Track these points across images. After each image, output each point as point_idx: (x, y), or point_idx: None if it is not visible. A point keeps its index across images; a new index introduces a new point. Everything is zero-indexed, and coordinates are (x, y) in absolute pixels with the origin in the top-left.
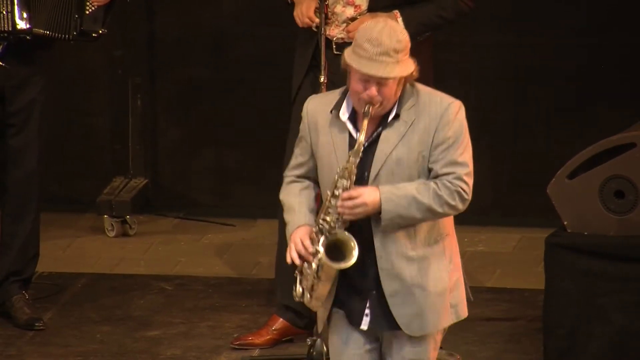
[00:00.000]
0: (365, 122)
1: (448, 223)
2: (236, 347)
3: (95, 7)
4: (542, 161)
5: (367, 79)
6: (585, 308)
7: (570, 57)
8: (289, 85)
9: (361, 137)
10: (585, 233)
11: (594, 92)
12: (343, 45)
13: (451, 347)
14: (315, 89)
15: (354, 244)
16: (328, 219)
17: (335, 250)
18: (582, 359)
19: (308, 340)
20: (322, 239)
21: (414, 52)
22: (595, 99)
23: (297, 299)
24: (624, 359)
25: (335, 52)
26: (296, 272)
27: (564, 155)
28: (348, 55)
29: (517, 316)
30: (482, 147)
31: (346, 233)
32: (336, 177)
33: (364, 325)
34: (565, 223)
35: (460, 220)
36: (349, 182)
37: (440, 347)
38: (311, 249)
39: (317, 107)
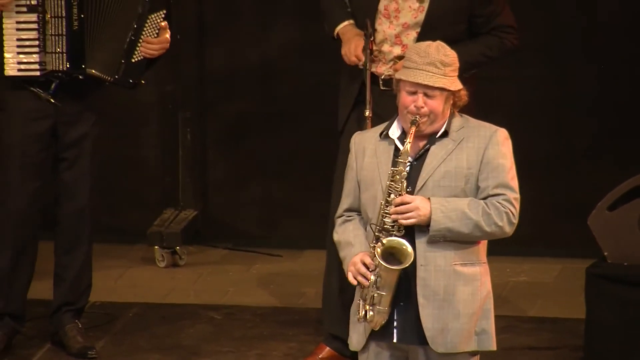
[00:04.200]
0: (413, 130)
1: (484, 251)
2: None
3: (142, 57)
4: (583, 193)
5: (415, 91)
6: (626, 338)
7: (613, 87)
8: (334, 119)
9: (407, 145)
10: (625, 264)
11: (636, 124)
12: (390, 81)
13: None
14: (361, 123)
15: (407, 246)
16: (385, 226)
17: (391, 258)
18: None
19: None
20: (378, 249)
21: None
22: (637, 131)
23: (360, 321)
24: None
25: (382, 88)
26: (358, 297)
27: (605, 187)
28: (398, 72)
29: (559, 345)
30: (524, 178)
31: (401, 239)
32: (387, 183)
33: (395, 339)
34: (605, 254)
35: (503, 250)
36: (400, 186)
37: None
38: (371, 264)
39: (365, 136)
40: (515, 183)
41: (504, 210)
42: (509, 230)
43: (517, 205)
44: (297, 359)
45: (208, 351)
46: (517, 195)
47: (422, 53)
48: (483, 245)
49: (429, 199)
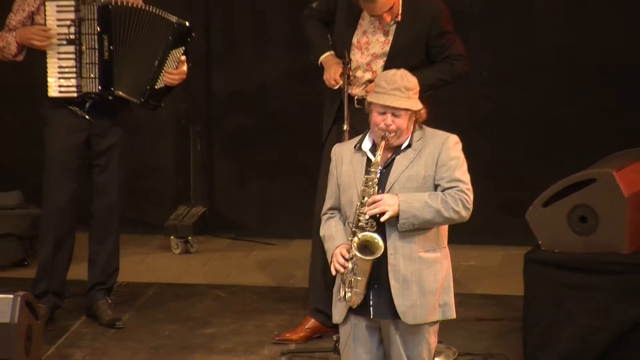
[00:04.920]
0: (382, 144)
1: (444, 239)
2: (276, 342)
3: (163, 85)
4: (522, 192)
5: (384, 112)
6: (556, 311)
7: (548, 105)
8: (318, 132)
9: (377, 156)
10: (556, 251)
11: (565, 136)
12: (362, 100)
13: (449, 342)
14: (340, 135)
15: (379, 240)
16: (359, 223)
17: (365, 249)
18: (554, 352)
19: (334, 336)
20: (355, 242)
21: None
22: (565, 142)
23: (340, 300)
24: (588, 352)
25: (357, 106)
26: (339, 281)
27: (539, 187)
28: (369, 96)
29: (503, 317)
30: (474, 179)
31: (373, 234)
32: (362, 188)
33: (371, 315)
34: (540, 243)
35: (457, 240)
36: (372, 190)
37: (440, 341)
38: (348, 255)
39: (343, 147)
40: (466, 177)
41: (459, 198)
42: (465, 214)
43: (470, 193)
44: (288, 329)
45: (214, 322)
46: (469, 186)
47: (389, 80)
48: (443, 234)
49: (397, 195)
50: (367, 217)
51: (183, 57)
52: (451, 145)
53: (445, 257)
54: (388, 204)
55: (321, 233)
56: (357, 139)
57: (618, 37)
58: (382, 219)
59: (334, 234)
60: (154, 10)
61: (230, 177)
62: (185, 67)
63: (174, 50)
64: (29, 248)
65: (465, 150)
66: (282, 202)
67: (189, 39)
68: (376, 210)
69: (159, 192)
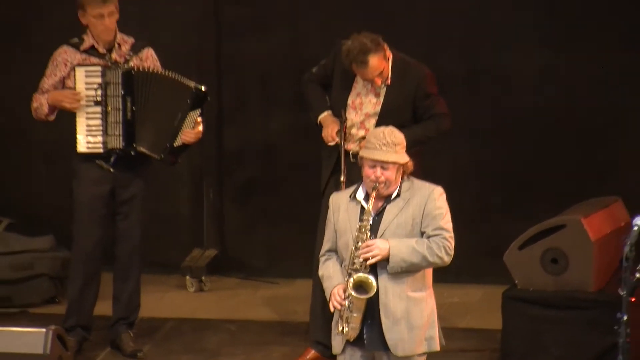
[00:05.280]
0: (373, 194)
1: (429, 280)
2: None
3: (181, 143)
4: (500, 237)
5: (374, 165)
6: (531, 343)
7: (519, 160)
8: (317, 183)
9: (370, 205)
10: (531, 289)
11: (536, 187)
12: (357, 155)
13: None
14: (337, 185)
15: (372, 280)
16: (354, 266)
17: (360, 289)
18: None
19: None
20: (350, 282)
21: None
22: (538, 192)
23: (338, 334)
24: None
25: (352, 160)
26: (337, 316)
27: (515, 232)
28: (361, 151)
29: (483, 348)
30: (456, 225)
31: (367, 275)
32: (356, 234)
33: (366, 346)
34: (516, 282)
35: (442, 279)
36: (365, 236)
37: None
38: (344, 295)
39: (340, 196)
40: (449, 226)
41: (442, 245)
42: (447, 259)
43: (452, 242)
44: (291, 358)
45: (226, 353)
46: (452, 234)
47: (378, 136)
48: (429, 276)
49: (387, 240)
50: (361, 259)
51: (199, 119)
52: (436, 197)
53: (430, 296)
54: (379, 248)
55: (320, 273)
56: (352, 188)
57: (587, 100)
58: (373, 261)
59: (332, 275)
60: (173, 76)
61: (239, 223)
62: (201, 127)
63: (191, 112)
64: (59, 287)
65: (448, 199)
66: (285, 246)
67: (204, 103)
68: (369, 255)
69: (176, 236)
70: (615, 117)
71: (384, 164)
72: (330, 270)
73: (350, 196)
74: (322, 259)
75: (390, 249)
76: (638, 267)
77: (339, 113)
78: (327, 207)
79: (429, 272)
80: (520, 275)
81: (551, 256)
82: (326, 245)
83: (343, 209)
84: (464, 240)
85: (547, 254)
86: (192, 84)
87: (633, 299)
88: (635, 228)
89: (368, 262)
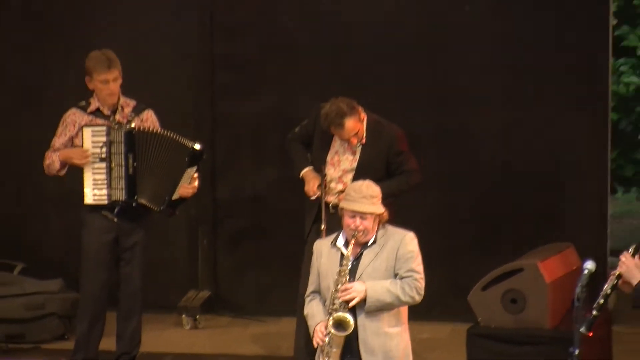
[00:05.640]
0: (352, 242)
1: (404, 317)
2: None
3: (179, 197)
4: (465, 278)
5: (354, 215)
6: None
7: (485, 204)
8: (302, 230)
9: (349, 251)
10: (493, 326)
11: (499, 233)
12: (336, 206)
13: None
14: (319, 233)
15: (350, 319)
16: (334, 306)
17: (339, 327)
18: None
19: None
20: (330, 321)
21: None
22: (500, 237)
23: None
24: None
25: (331, 211)
26: (319, 352)
27: (479, 274)
28: (341, 203)
29: None
30: (426, 266)
31: (346, 314)
32: (336, 277)
33: None
34: (479, 319)
35: (413, 316)
36: (344, 279)
37: None
38: (325, 331)
39: (322, 243)
40: (420, 268)
41: (414, 286)
42: (418, 299)
43: (423, 282)
44: None
45: None
46: (422, 276)
47: (357, 190)
48: (404, 313)
49: (364, 282)
50: (340, 300)
51: (196, 175)
52: (408, 241)
53: (405, 331)
54: (357, 290)
55: (305, 312)
56: (334, 236)
57: (544, 155)
58: (352, 304)
59: (315, 314)
60: (172, 135)
61: (230, 266)
62: (197, 183)
63: (188, 169)
64: (68, 325)
65: (420, 242)
66: (272, 287)
67: (200, 160)
68: (347, 297)
69: (173, 279)
70: (570, 171)
71: (362, 215)
72: (314, 310)
73: (331, 243)
74: (307, 299)
75: (366, 290)
76: (594, 305)
77: (319, 169)
78: (310, 252)
79: (404, 309)
80: (483, 313)
81: (511, 297)
82: (310, 287)
83: (325, 254)
84: (434, 280)
85: (507, 294)
86: (189, 143)
87: (590, 334)
88: (586, 271)
89: (349, 305)
